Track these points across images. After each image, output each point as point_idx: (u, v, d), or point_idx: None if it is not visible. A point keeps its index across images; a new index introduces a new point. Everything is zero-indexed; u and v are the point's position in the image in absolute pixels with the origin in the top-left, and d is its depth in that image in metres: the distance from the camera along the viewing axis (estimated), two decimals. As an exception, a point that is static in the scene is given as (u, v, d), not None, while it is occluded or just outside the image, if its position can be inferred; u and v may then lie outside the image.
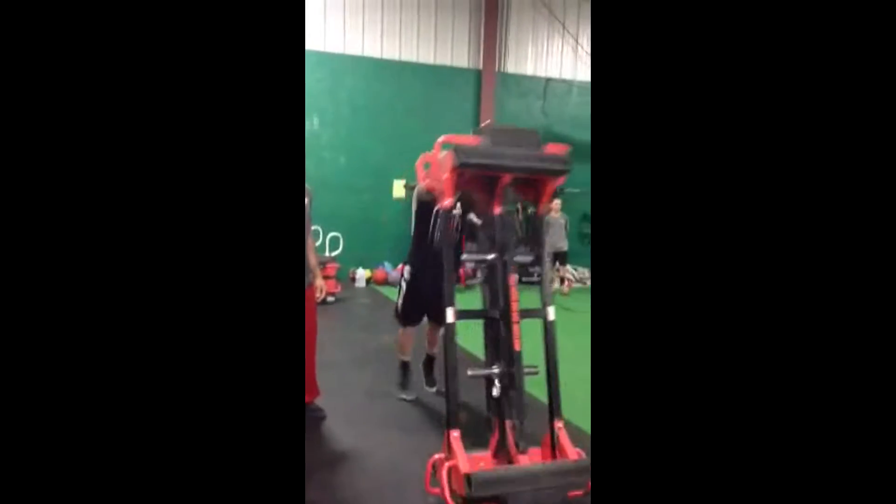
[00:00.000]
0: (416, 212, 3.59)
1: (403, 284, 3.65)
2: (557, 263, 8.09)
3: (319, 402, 3.52)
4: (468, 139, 2.39)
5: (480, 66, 9.13)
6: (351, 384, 4.09)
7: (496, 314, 2.50)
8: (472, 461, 2.34)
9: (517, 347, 2.40)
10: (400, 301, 3.65)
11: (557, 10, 9.43)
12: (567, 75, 9.76)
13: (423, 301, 3.59)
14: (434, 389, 3.85)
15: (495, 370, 2.47)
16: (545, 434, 2.48)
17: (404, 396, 3.76)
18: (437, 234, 3.62)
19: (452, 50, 9.07)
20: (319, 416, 3.48)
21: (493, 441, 2.51)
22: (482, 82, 9.12)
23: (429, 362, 3.93)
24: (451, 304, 2.40)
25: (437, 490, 2.51)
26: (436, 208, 3.49)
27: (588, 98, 9.19)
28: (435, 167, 2.48)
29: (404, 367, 3.82)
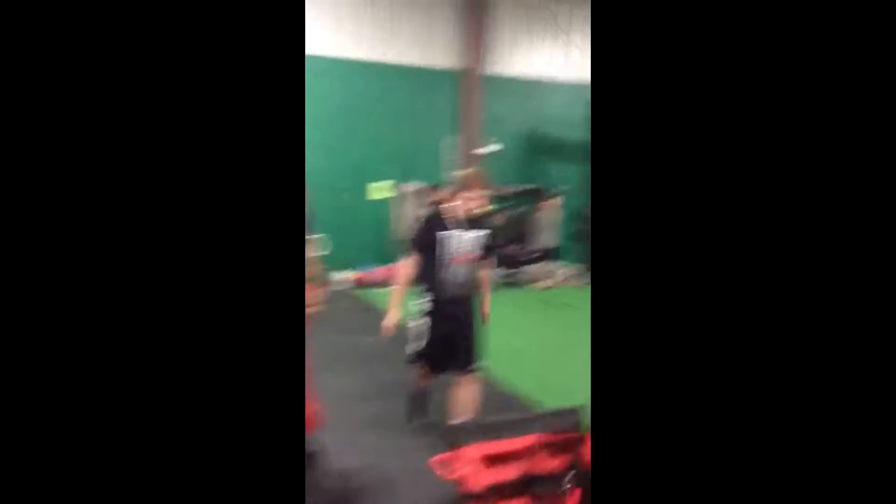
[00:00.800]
0: (423, 234, 3.05)
1: (427, 319, 3.05)
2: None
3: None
4: None
5: (464, 67, 9.04)
6: (330, 389, 4.01)
7: None
8: None
9: None
10: (424, 342, 3.06)
11: (545, 7, 9.38)
12: (552, 74, 9.73)
13: (448, 345, 3.02)
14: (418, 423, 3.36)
15: None
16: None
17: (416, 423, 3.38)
18: (449, 275, 3.01)
19: (435, 51, 8.99)
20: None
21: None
22: (466, 83, 9.04)
23: (421, 395, 3.40)
24: None
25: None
26: (443, 234, 2.97)
27: (573, 97, 9.26)
28: None
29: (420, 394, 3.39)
